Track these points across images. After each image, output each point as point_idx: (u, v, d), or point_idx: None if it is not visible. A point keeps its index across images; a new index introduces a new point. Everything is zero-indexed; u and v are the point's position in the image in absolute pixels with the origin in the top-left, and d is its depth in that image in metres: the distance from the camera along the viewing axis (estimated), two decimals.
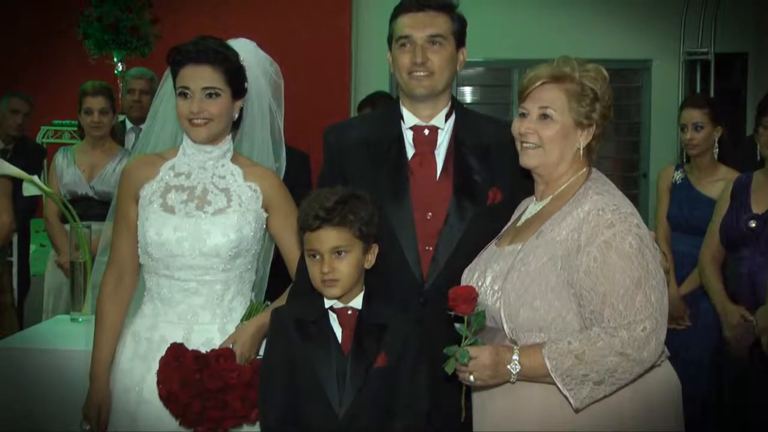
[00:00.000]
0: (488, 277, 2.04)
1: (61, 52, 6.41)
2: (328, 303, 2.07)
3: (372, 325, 2.06)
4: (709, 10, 6.25)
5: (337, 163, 2.33)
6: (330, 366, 2.02)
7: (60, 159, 4.27)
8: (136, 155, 2.47)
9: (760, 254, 3.18)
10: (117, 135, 4.62)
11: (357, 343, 2.04)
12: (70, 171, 4.23)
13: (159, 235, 2.24)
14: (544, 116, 2.01)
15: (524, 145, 2.04)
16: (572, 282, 1.90)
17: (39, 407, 2.82)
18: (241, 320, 2.29)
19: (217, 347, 2.20)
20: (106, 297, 2.33)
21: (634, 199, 6.86)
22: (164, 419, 2.20)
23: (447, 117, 2.32)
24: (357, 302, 2.08)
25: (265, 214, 2.33)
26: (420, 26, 2.25)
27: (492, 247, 2.14)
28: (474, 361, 1.88)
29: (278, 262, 2.43)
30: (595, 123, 2.02)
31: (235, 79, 2.26)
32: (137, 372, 2.27)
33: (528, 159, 2.05)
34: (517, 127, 2.06)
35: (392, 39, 2.30)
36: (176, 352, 2.15)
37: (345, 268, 2.03)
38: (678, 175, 3.83)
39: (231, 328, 2.27)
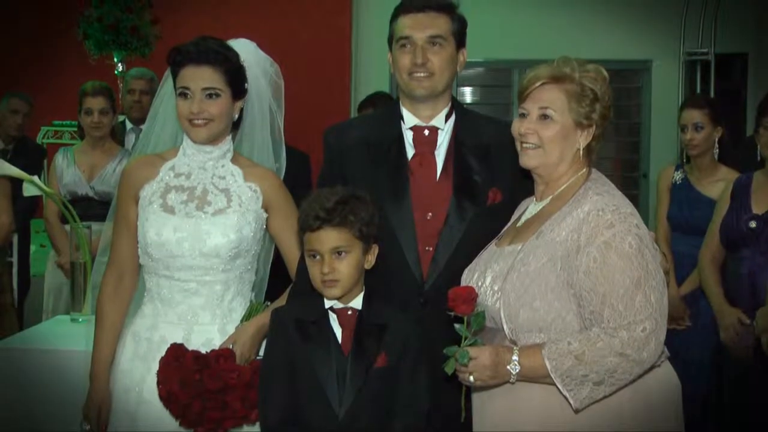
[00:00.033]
0: (488, 277, 2.04)
1: (61, 52, 6.41)
2: (328, 303, 2.08)
3: (372, 325, 2.07)
4: (709, 11, 6.25)
5: (337, 164, 2.33)
6: (330, 366, 2.02)
7: (60, 159, 4.27)
8: (136, 156, 2.47)
9: (760, 254, 3.19)
10: (117, 135, 4.62)
11: (357, 343, 2.05)
12: (70, 171, 4.23)
13: (159, 235, 2.24)
14: (544, 116, 2.01)
15: (524, 145, 2.04)
16: (572, 282, 1.90)
17: (39, 407, 2.82)
18: (241, 321, 2.29)
19: (217, 348, 2.20)
20: (106, 297, 2.33)
21: (634, 200, 6.86)
22: (164, 419, 2.20)
23: (447, 117, 2.32)
24: (357, 302, 2.08)
25: (265, 215, 2.33)
26: (420, 27, 2.25)
27: (492, 247, 2.14)
28: (474, 361, 1.88)
29: (278, 262, 2.43)
30: (594, 123, 2.02)
31: (236, 79, 2.26)
32: (137, 372, 2.27)
33: (528, 159, 2.05)
34: (517, 127, 2.06)
35: (392, 39, 2.30)
36: (176, 353, 2.15)
37: (345, 268, 2.03)
38: (678, 176, 3.83)
39: (231, 329, 2.27)
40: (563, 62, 2.02)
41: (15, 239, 4.85)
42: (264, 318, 2.23)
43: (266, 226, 2.35)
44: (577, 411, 1.89)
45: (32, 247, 5.43)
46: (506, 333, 1.97)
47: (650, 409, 1.95)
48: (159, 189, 2.29)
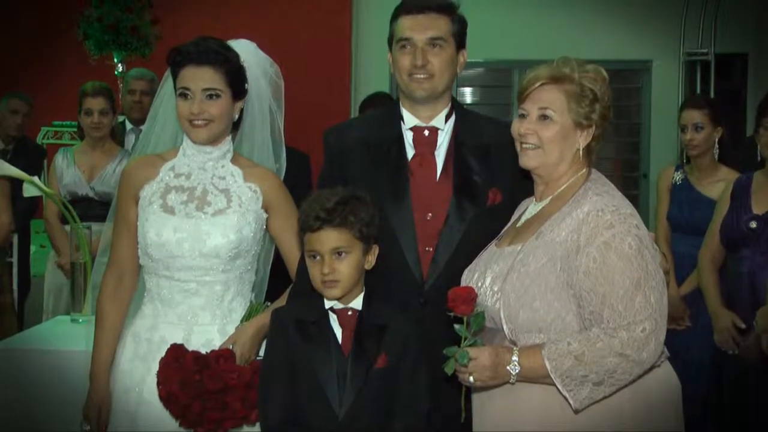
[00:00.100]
0: (488, 277, 2.04)
1: (61, 53, 6.41)
2: (328, 304, 2.08)
3: (372, 325, 2.07)
4: (709, 11, 6.25)
5: (337, 164, 2.33)
6: (330, 367, 2.02)
7: (60, 160, 4.27)
8: (136, 156, 2.47)
9: (761, 254, 3.19)
10: (117, 136, 4.62)
11: (357, 343, 2.05)
12: (70, 172, 4.23)
13: (159, 235, 2.24)
14: (544, 117, 2.01)
15: (524, 145, 2.05)
16: (572, 283, 1.90)
17: (39, 407, 2.83)
18: (241, 321, 2.29)
19: (217, 348, 2.20)
20: (106, 298, 2.34)
21: (634, 200, 6.87)
22: (164, 420, 2.20)
23: (447, 118, 2.32)
24: (357, 303, 2.08)
25: (265, 215, 2.33)
26: (420, 28, 2.24)
27: (492, 247, 2.14)
28: (473, 362, 1.88)
29: (278, 262, 2.43)
30: (594, 124, 2.02)
31: (236, 80, 2.26)
32: (137, 373, 2.27)
33: (527, 160, 2.05)
34: (517, 127, 2.06)
35: (392, 40, 2.30)
36: (176, 353, 2.15)
37: (345, 268, 2.03)
38: (678, 176, 3.84)
39: (231, 329, 2.27)
40: (563, 63, 2.02)
41: (15, 239, 4.85)
42: (264, 318, 2.23)
43: (266, 226, 2.35)
44: (576, 411, 1.89)
45: (32, 248, 5.43)
46: (506, 333, 1.97)
47: (650, 409, 1.95)
48: (159, 189, 2.29)
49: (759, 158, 3.38)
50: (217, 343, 2.24)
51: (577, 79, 2.00)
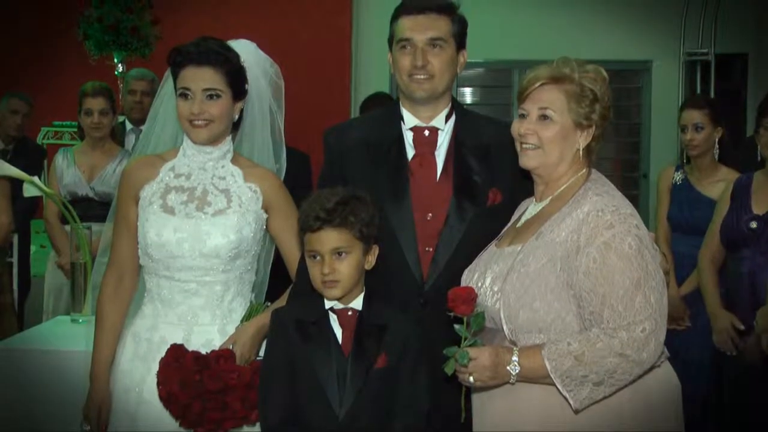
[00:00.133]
0: (488, 278, 2.04)
1: (61, 53, 6.41)
2: (328, 304, 2.08)
3: (372, 326, 2.07)
4: (709, 11, 6.25)
5: (337, 164, 2.33)
6: (330, 367, 2.02)
7: (60, 160, 4.27)
8: (136, 156, 2.47)
9: (761, 255, 3.19)
10: (117, 136, 4.62)
11: (357, 344, 2.05)
12: (70, 172, 4.23)
13: (159, 236, 2.24)
14: (544, 117, 2.01)
15: (524, 146, 2.04)
16: (572, 283, 1.90)
17: (39, 407, 2.83)
18: (241, 321, 2.29)
19: (217, 348, 2.20)
20: (107, 298, 2.34)
21: (634, 200, 6.87)
22: (164, 420, 2.20)
23: (447, 118, 2.32)
24: (357, 303, 2.08)
25: (265, 215, 2.33)
26: (421, 29, 2.24)
27: (492, 248, 2.14)
28: (473, 362, 1.88)
29: (278, 263, 2.43)
30: (594, 124, 2.02)
31: (236, 80, 2.26)
32: (137, 373, 2.27)
33: (527, 160, 2.05)
34: (517, 128, 2.06)
35: (392, 40, 2.30)
36: (176, 353, 2.15)
37: (345, 269, 2.03)
38: (678, 176, 3.84)
39: (231, 329, 2.27)
40: (563, 63, 2.02)
41: (15, 240, 4.85)
42: (264, 318, 2.23)
43: (266, 226, 2.35)
44: (576, 411, 1.89)
45: (32, 248, 5.43)
46: (506, 333, 1.97)
47: (650, 409, 1.95)
48: (159, 189, 2.29)
49: (759, 158, 3.38)
50: (217, 343, 2.24)
51: (577, 79, 2.00)
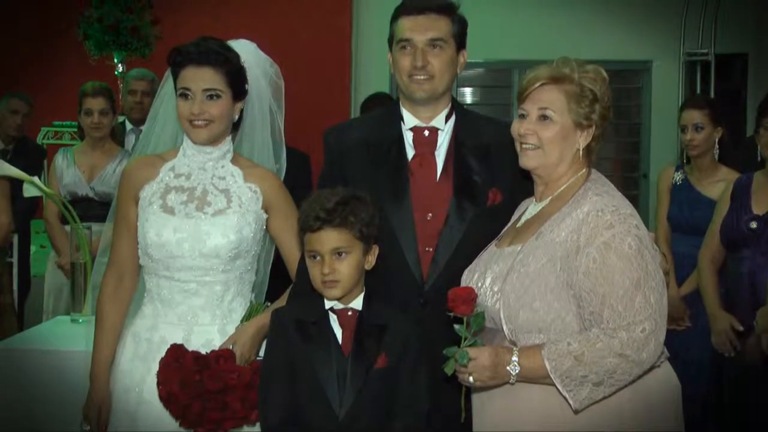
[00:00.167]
0: (488, 278, 2.04)
1: (61, 53, 6.41)
2: (328, 304, 2.08)
3: (372, 326, 2.07)
4: (709, 11, 6.25)
5: (337, 165, 2.33)
6: (330, 367, 2.02)
7: (60, 160, 4.27)
8: (136, 156, 2.47)
9: (761, 255, 3.19)
10: (117, 136, 4.62)
11: (357, 344, 2.05)
12: (70, 172, 4.23)
13: (159, 236, 2.24)
14: (544, 117, 2.01)
15: (524, 146, 2.04)
16: (571, 283, 1.90)
17: (39, 407, 2.83)
18: (241, 321, 2.29)
19: (217, 348, 2.20)
20: (106, 298, 2.34)
21: (634, 200, 6.87)
22: (164, 420, 2.20)
23: (447, 118, 2.32)
24: (357, 303, 2.08)
25: (265, 215, 2.33)
26: (421, 29, 2.24)
27: (492, 248, 2.14)
28: (473, 362, 1.88)
29: (278, 263, 2.43)
30: (594, 124, 2.02)
31: (236, 80, 2.26)
32: (137, 373, 2.27)
33: (527, 160, 2.05)
34: (517, 128, 2.06)
35: (392, 41, 2.30)
36: (176, 353, 2.15)
37: (345, 269, 2.03)
38: (678, 176, 3.84)
39: (231, 329, 2.27)
40: (562, 63, 2.02)
41: (15, 240, 4.85)
42: (264, 318, 2.23)
43: (266, 226, 2.35)
44: (576, 411, 1.89)
45: (32, 248, 5.43)
46: (506, 334, 1.97)
47: (650, 409, 1.95)
48: (159, 190, 2.29)
49: (759, 158, 3.38)
50: (217, 343, 2.24)
51: (577, 80, 2.00)
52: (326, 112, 5.84)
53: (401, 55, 2.26)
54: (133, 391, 2.27)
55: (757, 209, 3.22)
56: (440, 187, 2.28)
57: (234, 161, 2.34)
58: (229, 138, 2.33)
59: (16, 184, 3.70)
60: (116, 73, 5.77)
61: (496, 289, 1.99)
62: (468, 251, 2.18)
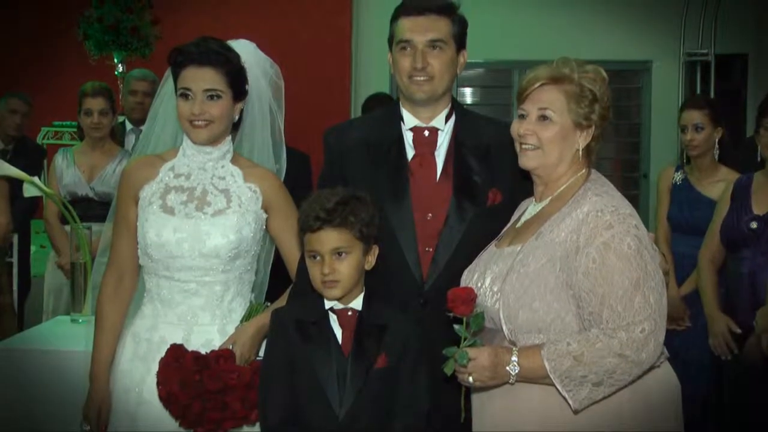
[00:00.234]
0: (487, 278, 2.04)
1: (61, 53, 6.42)
2: (328, 304, 2.08)
3: (372, 326, 2.07)
4: (709, 11, 6.25)
5: (337, 165, 2.33)
6: (330, 367, 2.02)
7: (60, 160, 4.27)
8: (136, 156, 2.47)
9: (761, 255, 3.19)
10: (117, 136, 4.62)
11: (357, 344, 2.05)
12: (70, 172, 4.23)
13: (159, 236, 2.24)
14: (543, 117, 2.01)
15: (523, 146, 2.04)
16: (571, 283, 1.90)
17: (39, 407, 2.83)
18: (241, 321, 2.29)
19: (216, 348, 2.20)
20: (106, 298, 2.34)
21: (634, 200, 6.87)
22: (164, 420, 2.20)
23: (447, 118, 2.32)
24: (357, 303, 2.08)
25: (264, 215, 2.33)
26: (421, 30, 2.24)
27: (491, 248, 2.14)
28: (473, 362, 1.88)
29: (278, 263, 2.43)
30: (594, 124, 2.02)
31: (237, 81, 2.26)
32: (137, 373, 2.27)
33: (527, 160, 2.05)
34: (516, 128, 2.06)
35: (392, 41, 2.30)
36: (176, 353, 2.15)
37: (345, 269, 2.03)
38: (678, 176, 3.84)
39: (231, 329, 2.27)
40: (562, 63, 2.02)
41: (15, 240, 4.85)
42: (264, 318, 2.23)
43: (266, 226, 2.35)
44: (576, 412, 1.89)
45: (32, 248, 5.43)
46: (505, 334, 1.97)
47: (650, 409, 1.95)
48: (159, 190, 2.29)
49: (759, 159, 3.38)
50: (216, 343, 2.24)
51: (577, 80, 2.00)
52: (326, 112, 5.84)
53: (401, 55, 2.26)
54: (133, 391, 2.27)
55: (757, 209, 3.22)
56: (440, 187, 2.28)
57: (234, 161, 2.34)
58: (228, 138, 2.33)
59: (15, 184, 3.70)
60: (116, 73, 5.78)
61: (495, 289, 1.99)
62: (468, 251, 2.18)
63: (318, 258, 2.04)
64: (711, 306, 3.33)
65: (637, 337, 1.84)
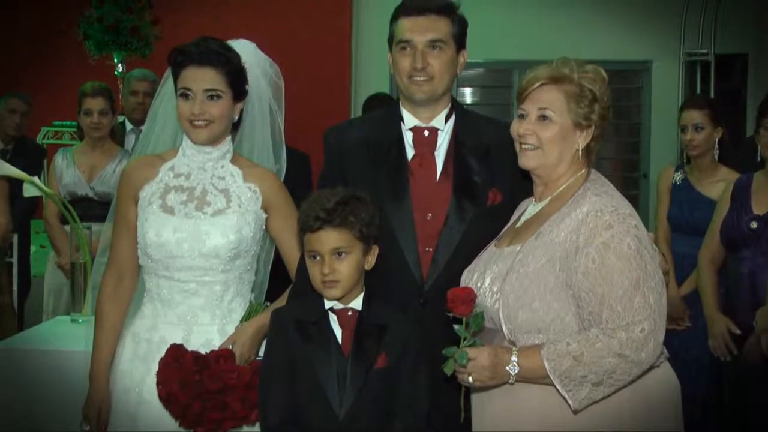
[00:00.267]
0: (487, 278, 2.04)
1: (61, 53, 6.42)
2: (328, 304, 2.08)
3: (372, 326, 2.07)
4: (709, 11, 6.25)
5: (337, 165, 2.33)
6: (330, 367, 2.02)
7: (59, 160, 4.27)
8: (136, 156, 2.47)
9: (761, 255, 3.19)
10: (117, 136, 4.62)
11: (357, 344, 2.05)
12: (70, 172, 4.23)
13: (158, 236, 2.24)
14: (543, 117, 2.01)
15: (523, 146, 2.04)
16: (571, 283, 1.90)
17: (39, 407, 2.83)
18: (241, 321, 2.29)
19: (216, 348, 2.20)
20: (106, 298, 2.34)
21: (634, 200, 6.87)
22: (164, 420, 2.20)
23: (447, 118, 2.32)
24: (357, 303, 2.08)
25: (264, 215, 2.33)
26: (421, 30, 2.24)
27: (491, 248, 2.14)
28: (472, 362, 1.88)
29: (278, 263, 2.43)
30: (593, 124, 2.02)
31: (237, 81, 2.26)
32: (137, 373, 2.27)
33: (527, 160, 2.05)
34: (516, 128, 2.06)
35: (392, 41, 2.30)
36: (176, 353, 2.15)
37: (345, 269, 2.03)
38: (678, 176, 3.84)
39: (230, 329, 2.27)
40: (562, 63, 2.02)
41: (15, 240, 4.85)
42: (264, 318, 2.23)
43: (266, 226, 2.35)
44: (575, 412, 1.89)
45: (32, 248, 5.43)
46: (505, 334, 1.97)
47: (649, 409, 1.95)
48: (158, 189, 2.29)
49: (759, 158, 3.38)
50: (216, 343, 2.24)
51: (577, 80, 2.00)
52: (326, 112, 5.84)
53: (401, 56, 2.26)
54: (133, 391, 2.27)
55: (758, 209, 3.22)
56: (440, 187, 2.28)
57: (234, 161, 2.34)
58: (228, 138, 2.33)
59: (15, 184, 3.69)
60: (116, 73, 5.78)
61: (495, 289, 1.99)
62: (468, 251, 2.18)
63: (318, 258, 2.04)
64: (711, 307, 3.33)
65: (637, 337, 1.84)
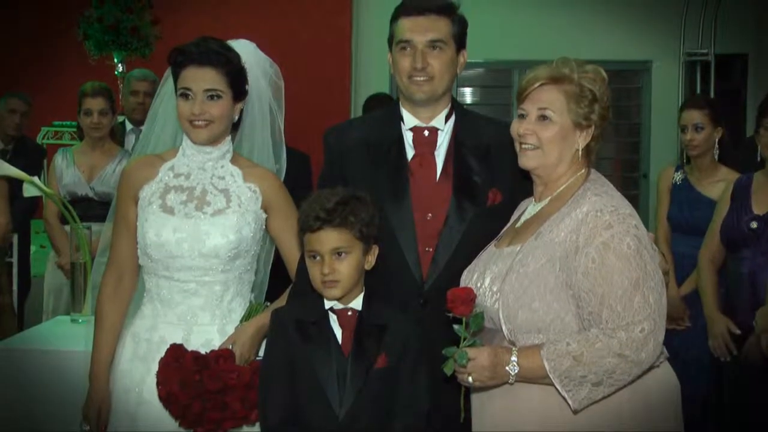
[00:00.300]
0: (487, 278, 2.04)
1: (61, 53, 6.42)
2: (328, 304, 2.08)
3: (372, 326, 2.07)
4: (709, 11, 6.25)
5: (337, 165, 2.33)
6: (330, 367, 2.02)
7: (59, 160, 4.27)
8: (136, 156, 2.47)
9: (761, 255, 3.19)
10: (117, 136, 4.62)
11: (357, 344, 2.05)
12: (70, 172, 4.23)
13: (158, 236, 2.24)
14: (543, 117, 2.01)
15: (523, 146, 2.04)
16: (571, 283, 1.90)
17: (39, 407, 2.83)
18: (241, 321, 2.29)
19: (216, 348, 2.20)
20: (106, 298, 2.34)
21: (634, 200, 6.87)
22: (164, 420, 2.20)
23: (447, 118, 2.32)
24: (357, 303, 2.08)
25: (264, 215, 2.33)
26: (421, 30, 2.24)
27: (491, 248, 2.14)
28: (472, 362, 1.88)
29: (278, 263, 2.43)
30: (593, 124, 2.02)
31: (237, 81, 2.26)
32: (137, 373, 2.27)
33: (527, 160, 2.05)
34: (516, 128, 2.06)
35: (392, 41, 2.30)
36: (176, 353, 2.15)
37: (345, 269, 2.03)
38: (678, 176, 3.84)
39: (230, 329, 2.27)
40: (562, 63, 2.02)
41: (15, 240, 4.85)
42: (263, 318, 2.23)
43: (266, 226, 2.35)
44: (575, 412, 1.89)
45: (32, 248, 5.43)
46: (505, 334, 1.97)
47: (649, 409, 1.95)
48: (158, 189, 2.29)
49: (759, 159, 3.38)
50: (216, 343, 2.24)
51: (577, 80, 2.00)
52: (326, 112, 5.84)
53: (401, 56, 2.26)
54: (133, 391, 2.27)
55: (758, 209, 3.22)
56: (440, 187, 2.28)
57: (233, 161, 2.34)
58: (228, 138, 2.33)
59: (15, 184, 3.69)
60: (116, 73, 5.78)
61: (495, 289, 1.99)
62: (468, 251, 2.18)
63: (318, 258, 2.04)
64: (710, 307, 3.33)
65: (637, 337, 1.84)
